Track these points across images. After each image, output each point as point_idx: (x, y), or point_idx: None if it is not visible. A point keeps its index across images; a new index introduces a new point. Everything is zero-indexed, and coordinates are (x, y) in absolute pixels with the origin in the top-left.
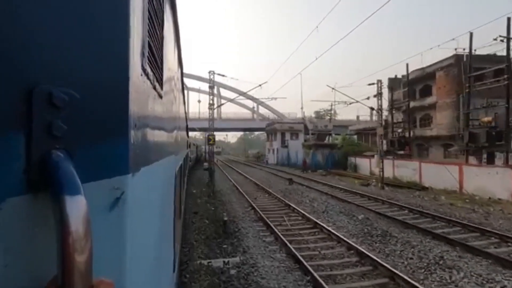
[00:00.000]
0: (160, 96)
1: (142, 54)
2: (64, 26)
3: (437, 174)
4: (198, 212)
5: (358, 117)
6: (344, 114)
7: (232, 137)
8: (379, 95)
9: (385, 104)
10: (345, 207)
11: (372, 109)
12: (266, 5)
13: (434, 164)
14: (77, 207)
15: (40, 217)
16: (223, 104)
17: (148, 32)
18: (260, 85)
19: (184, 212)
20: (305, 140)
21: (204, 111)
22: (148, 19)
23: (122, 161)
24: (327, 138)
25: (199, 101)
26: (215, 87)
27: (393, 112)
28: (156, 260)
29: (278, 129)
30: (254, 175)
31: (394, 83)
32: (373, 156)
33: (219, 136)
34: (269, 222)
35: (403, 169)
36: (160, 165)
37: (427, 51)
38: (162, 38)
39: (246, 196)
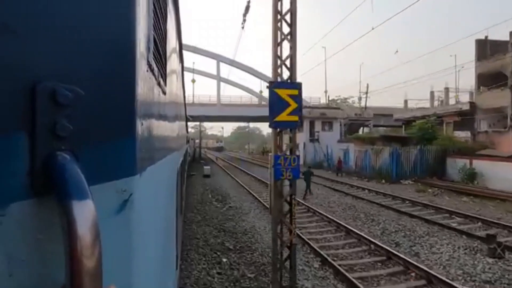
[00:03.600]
0: (164, 93)
1: (148, 48)
2: (68, 18)
3: None
4: None
5: (406, 101)
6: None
7: (226, 130)
8: None
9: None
10: None
11: None
12: None
13: None
14: (85, 213)
15: (45, 223)
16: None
17: (153, 25)
18: None
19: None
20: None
21: (198, 93)
22: (153, 12)
23: (130, 161)
24: (361, 130)
25: (193, 81)
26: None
27: (481, 89)
28: (161, 259)
29: (305, 116)
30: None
31: (484, 49)
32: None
33: (215, 129)
34: None
35: None
36: (164, 164)
37: None
38: (166, 31)
39: None
